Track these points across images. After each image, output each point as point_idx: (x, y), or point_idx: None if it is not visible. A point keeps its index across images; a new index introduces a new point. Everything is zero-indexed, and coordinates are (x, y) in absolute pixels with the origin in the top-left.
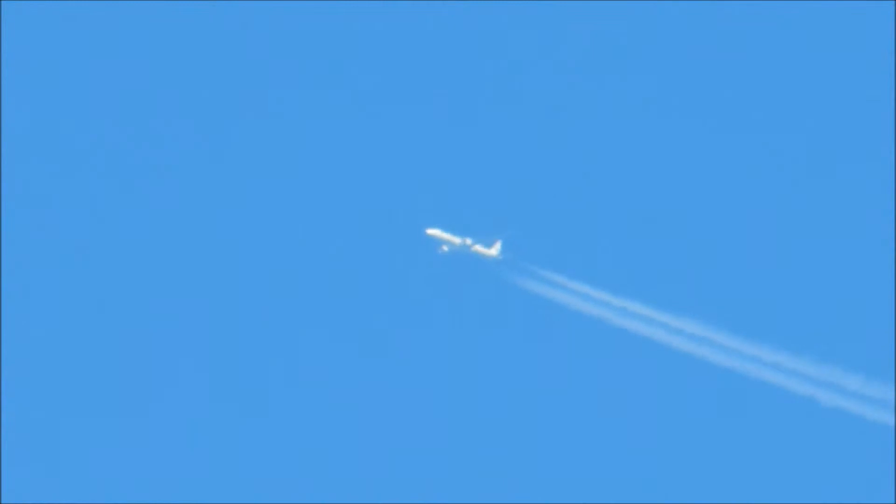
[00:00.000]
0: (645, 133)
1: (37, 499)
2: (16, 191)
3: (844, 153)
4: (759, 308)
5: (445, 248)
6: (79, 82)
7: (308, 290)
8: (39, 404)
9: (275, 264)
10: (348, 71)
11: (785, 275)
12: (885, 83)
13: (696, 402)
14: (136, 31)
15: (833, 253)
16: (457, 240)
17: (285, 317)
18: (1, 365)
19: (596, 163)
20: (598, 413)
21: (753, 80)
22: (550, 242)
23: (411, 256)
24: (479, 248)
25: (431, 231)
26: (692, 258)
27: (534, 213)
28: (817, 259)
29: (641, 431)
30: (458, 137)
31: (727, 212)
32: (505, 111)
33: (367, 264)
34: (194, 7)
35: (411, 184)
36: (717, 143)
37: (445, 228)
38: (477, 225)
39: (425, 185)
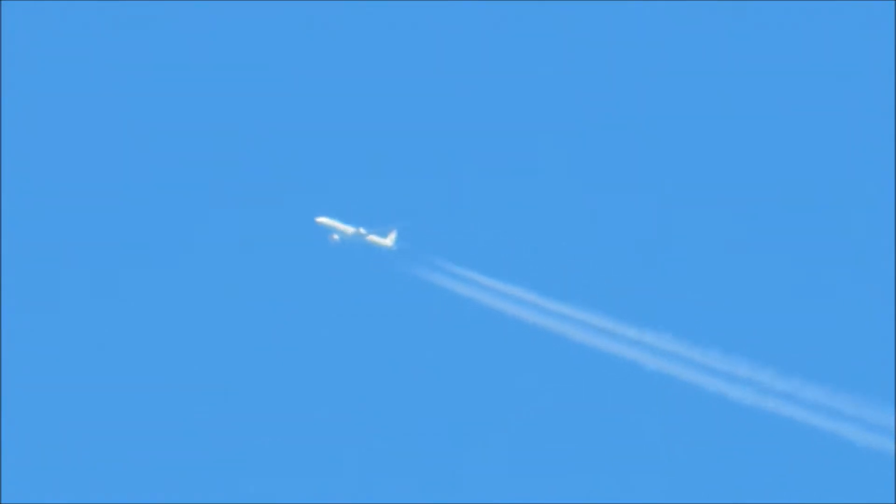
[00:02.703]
0: (557, 126)
1: (37, 499)
2: (16, 191)
3: (843, 155)
4: (655, 300)
5: (336, 237)
6: (79, 82)
7: (198, 277)
8: (39, 405)
9: (168, 252)
10: (246, 56)
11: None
12: (885, 83)
13: (622, 408)
14: (137, 31)
15: (827, 262)
16: (349, 229)
17: (176, 303)
18: (1, 366)
19: (497, 154)
20: (495, 404)
21: (752, 80)
22: (448, 233)
23: (301, 245)
24: (373, 237)
25: (321, 220)
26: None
27: (432, 204)
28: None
29: (563, 434)
30: (350, 124)
31: (652, 216)
32: (402, 101)
33: (254, 252)
34: (194, 7)
35: (302, 171)
36: (688, 143)
37: (337, 217)
38: (371, 215)
39: (318, 173)
